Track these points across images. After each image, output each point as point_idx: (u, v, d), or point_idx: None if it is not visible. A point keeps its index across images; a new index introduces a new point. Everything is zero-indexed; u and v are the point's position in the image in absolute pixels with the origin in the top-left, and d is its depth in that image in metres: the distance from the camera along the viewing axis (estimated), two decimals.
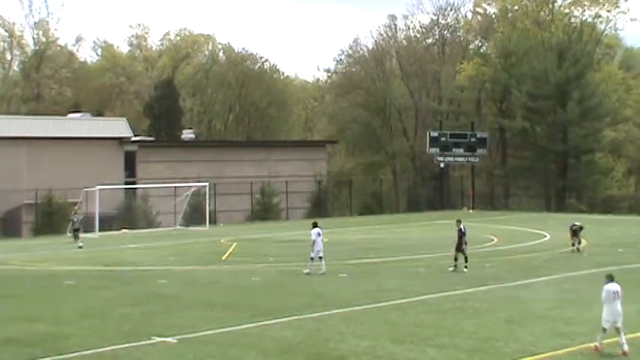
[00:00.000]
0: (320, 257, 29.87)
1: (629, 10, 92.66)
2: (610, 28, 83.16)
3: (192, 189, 59.64)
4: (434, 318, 21.02)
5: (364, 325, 20.16)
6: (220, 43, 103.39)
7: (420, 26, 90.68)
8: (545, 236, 44.52)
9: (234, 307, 23.28)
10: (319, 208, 69.59)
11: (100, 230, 50.91)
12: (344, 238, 46.16)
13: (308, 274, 29.62)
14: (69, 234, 51.90)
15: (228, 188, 65.21)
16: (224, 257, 37.11)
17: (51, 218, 57.22)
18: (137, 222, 58.26)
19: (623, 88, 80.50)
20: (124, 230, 54.17)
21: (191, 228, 55.97)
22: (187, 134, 77.84)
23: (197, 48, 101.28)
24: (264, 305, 23.29)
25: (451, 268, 30.01)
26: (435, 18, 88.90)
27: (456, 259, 30.16)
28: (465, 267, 29.89)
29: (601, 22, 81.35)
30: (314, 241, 29.94)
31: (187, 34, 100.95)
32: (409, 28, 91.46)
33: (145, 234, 52.69)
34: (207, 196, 59.30)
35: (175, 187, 59.89)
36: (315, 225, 30.39)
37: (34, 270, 33.93)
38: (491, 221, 56.25)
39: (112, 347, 17.95)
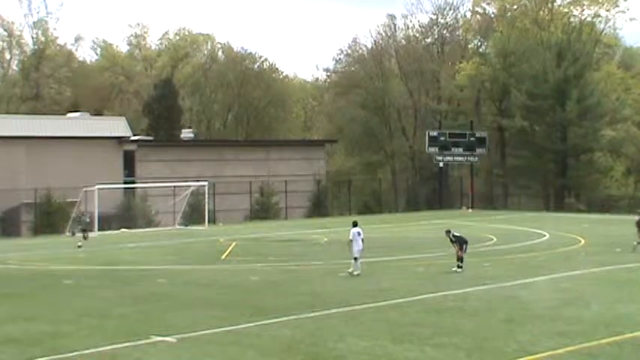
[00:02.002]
0: (355, 258, 29.50)
1: (628, 9, 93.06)
2: (609, 27, 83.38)
3: (192, 188, 59.64)
4: (433, 317, 21.01)
5: (363, 324, 20.15)
6: (219, 43, 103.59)
7: (419, 26, 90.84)
8: (545, 235, 44.52)
9: (233, 306, 23.27)
10: (318, 207, 69.61)
11: (99, 230, 50.88)
12: (343, 238, 46.07)
13: (353, 273, 29.08)
14: (68, 233, 51.93)
15: (228, 187, 65.24)
16: (223, 257, 37.10)
17: (50, 218, 57.15)
18: (136, 221, 58.24)
19: (622, 88, 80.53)
20: (123, 230, 54.16)
21: (190, 227, 55.96)
22: (186, 133, 77.86)
23: (196, 47, 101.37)
24: (263, 304, 23.28)
25: (454, 268, 29.80)
26: (434, 17, 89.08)
27: (460, 259, 29.92)
28: (458, 267, 29.71)
29: (600, 22, 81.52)
30: (350, 241, 29.53)
31: (186, 33, 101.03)
32: (408, 28, 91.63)
33: (144, 233, 52.67)
34: (207, 196, 59.31)
35: (174, 186, 59.89)
36: (355, 224, 29.99)
37: (33, 269, 33.91)
38: (490, 220, 56.28)
39: (111, 347, 17.94)
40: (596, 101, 70.92)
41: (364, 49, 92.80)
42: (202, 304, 23.80)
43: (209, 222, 57.44)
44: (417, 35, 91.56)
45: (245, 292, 25.92)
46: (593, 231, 47.29)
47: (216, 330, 19.66)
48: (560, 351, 16.95)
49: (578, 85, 70.38)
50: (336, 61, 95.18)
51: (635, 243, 35.73)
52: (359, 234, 29.55)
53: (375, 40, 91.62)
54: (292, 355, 17.03)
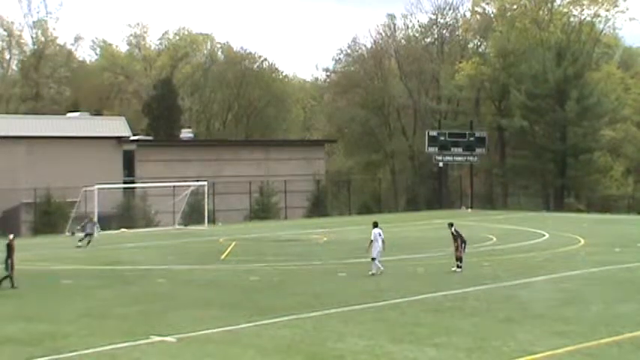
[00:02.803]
0: (373, 258, 29.25)
1: (627, 9, 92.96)
2: (609, 27, 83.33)
3: (191, 188, 59.62)
4: (432, 317, 21.03)
5: (363, 324, 20.17)
6: (219, 43, 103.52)
7: (419, 25, 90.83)
8: (544, 235, 44.52)
9: (232, 306, 23.29)
10: (318, 207, 69.59)
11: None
12: (343, 238, 46.18)
13: (375, 273, 29.00)
14: (67, 233, 51.98)
15: (227, 187, 65.20)
16: (223, 256, 37.11)
17: (50, 217, 57.12)
18: (136, 221, 58.22)
19: (622, 88, 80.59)
20: (122, 229, 54.14)
21: (190, 227, 55.96)
22: (186, 133, 77.84)
23: (196, 47, 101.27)
24: (262, 304, 23.31)
25: (454, 268, 29.80)
26: (433, 17, 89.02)
27: (459, 259, 29.95)
28: (458, 267, 29.72)
29: (600, 22, 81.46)
30: (371, 241, 29.39)
31: (186, 33, 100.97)
32: (408, 28, 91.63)
33: (144, 233, 52.67)
34: (206, 196, 59.30)
35: (174, 186, 59.86)
36: (375, 225, 29.86)
37: (32, 269, 33.89)
38: (489, 220, 56.28)
39: (111, 346, 17.96)
40: (596, 101, 70.92)
41: (364, 48, 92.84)
42: (202, 304, 23.82)
43: (208, 222, 57.45)
44: (417, 35, 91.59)
45: (245, 292, 25.94)
46: (592, 231, 47.29)
47: (215, 330, 19.69)
48: (559, 351, 16.97)
49: (577, 85, 70.43)
50: (336, 61, 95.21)
51: None
52: (380, 235, 29.44)
53: (374, 40, 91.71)
54: (292, 355, 17.05)
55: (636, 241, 40.38)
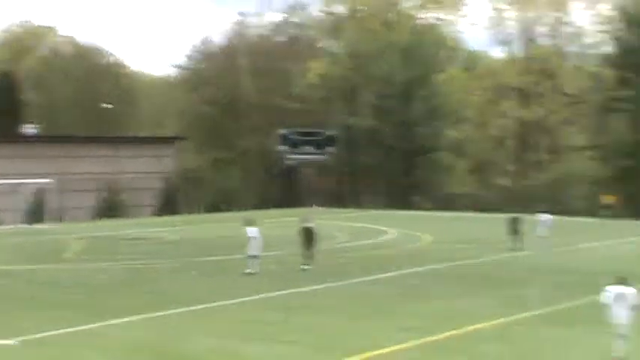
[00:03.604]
0: (255, 256, 28.89)
1: (467, 15, 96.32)
2: (453, 31, 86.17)
3: (35, 185, 57.72)
4: (282, 315, 21.12)
5: (213, 323, 20.07)
6: (63, 36, 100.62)
7: (271, 24, 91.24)
8: (392, 233, 45.55)
9: (78, 306, 22.68)
10: (168, 205, 68.84)
11: None
12: (193, 236, 45.80)
13: (255, 273, 28.47)
14: None
15: (74, 185, 63.52)
16: (69, 255, 36.07)
17: None
18: None
19: (465, 90, 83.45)
20: None
21: (34, 226, 54.17)
22: (29, 129, 75.11)
23: (38, 40, 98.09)
24: (109, 304, 22.82)
25: (303, 266, 30.00)
26: (285, 16, 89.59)
27: (310, 257, 30.13)
28: (308, 265, 29.92)
29: (444, 26, 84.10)
30: (249, 239, 28.76)
31: (29, 25, 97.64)
32: (260, 26, 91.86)
33: None
34: (51, 193, 57.59)
35: (17, 183, 57.74)
36: (248, 223, 29.30)
37: None
38: (340, 218, 57.09)
39: None
40: (441, 102, 73.36)
41: (216, 46, 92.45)
42: (47, 304, 23.08)
43: (54, 220, 55.85)
44: (268, 33, 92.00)
45: (91, 292, 25.33)
46: (438, 228, 48.61)
47: (60, 331, 19.11)
48: (406, 345, 17.39)
49: (423, 87, 72.60)
50: (188, 57, 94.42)
51: None
52: (256, 232, 28.93)
53: (226, 37, 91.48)
54: (138, 355, 16.79)
55: (478, 237, 41.94)
